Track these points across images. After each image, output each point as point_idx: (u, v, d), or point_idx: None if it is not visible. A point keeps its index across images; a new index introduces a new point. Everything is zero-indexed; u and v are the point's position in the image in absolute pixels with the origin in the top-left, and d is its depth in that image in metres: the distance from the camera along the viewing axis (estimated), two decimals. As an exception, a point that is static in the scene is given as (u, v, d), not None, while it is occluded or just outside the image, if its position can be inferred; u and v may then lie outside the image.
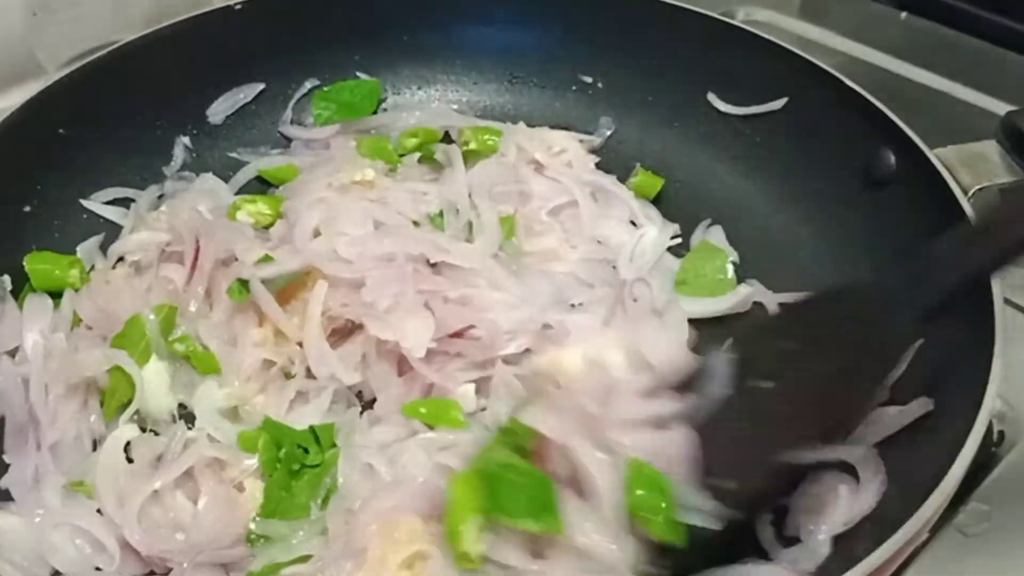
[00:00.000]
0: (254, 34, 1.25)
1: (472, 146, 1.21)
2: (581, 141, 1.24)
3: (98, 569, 0.86)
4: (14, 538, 0.85)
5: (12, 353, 1.01)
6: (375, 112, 1.29)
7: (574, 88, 1.31)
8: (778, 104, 1.19)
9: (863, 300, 0.83)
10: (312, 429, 0.92)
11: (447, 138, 1.27)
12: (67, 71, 1.14)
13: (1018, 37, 1.40)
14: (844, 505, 0.86)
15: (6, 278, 1.06)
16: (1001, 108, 1.18)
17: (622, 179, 1.22)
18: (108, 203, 1.16)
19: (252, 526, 0.86)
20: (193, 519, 0.87)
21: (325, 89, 1.28)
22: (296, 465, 0.88)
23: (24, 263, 1.06)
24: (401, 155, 1.23)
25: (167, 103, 1.22)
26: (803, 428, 0.78)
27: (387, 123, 1.27)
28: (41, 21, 1.21)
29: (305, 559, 0.84)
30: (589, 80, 1.30)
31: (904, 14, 1.45)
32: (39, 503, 0.88)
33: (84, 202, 1.15)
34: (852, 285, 0.89)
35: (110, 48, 1.17)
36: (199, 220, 1.09)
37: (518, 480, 0.77)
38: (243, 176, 1.23)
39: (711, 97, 1.24)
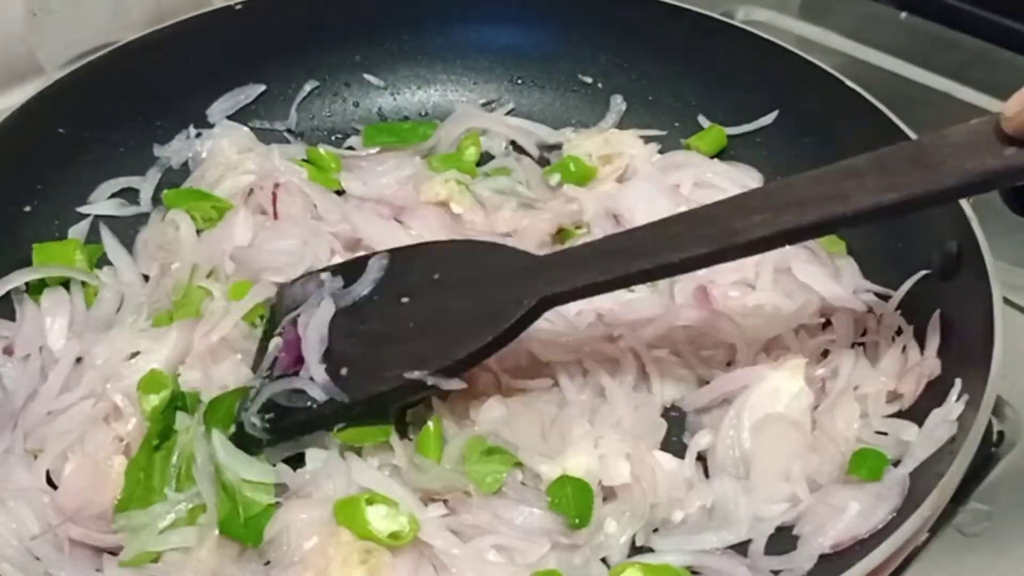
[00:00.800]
0: (254, 34, 1.25)
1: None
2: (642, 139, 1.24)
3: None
4: (4, 532, 0.84)
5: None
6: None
7: (574, 88, 1.30)
8: (768, 119, 1.20)
9: (504, 261, 0.93)
10: (182, 396, 0.93)
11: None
12: (67, 71, 1.14)
13: (1018, 37, 1.40)
14: (852, 522, 0.85)
15: (17, 279, 1.06)
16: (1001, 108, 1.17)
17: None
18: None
19: (114, 521, 0.87)
20: (62, 483, 0.90)
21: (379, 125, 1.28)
22: (156, 440, 0.89)
23: (33, 257, 1.07)
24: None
25: (167, 103, 1.22)
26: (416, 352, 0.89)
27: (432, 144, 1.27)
28: (41, 21, 1.21)
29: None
30: (589, 80, 1.30)
31: (904, 14, 1.45)
32: (7, 479, 0.89)
33: (80, 209, 1.15)
34: (503, 246, 1.00)
35: (110, 48, 1.17)
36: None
37: None
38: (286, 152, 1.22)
39: (701, 119, 1.24)
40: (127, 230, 1.15)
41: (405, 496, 0.86)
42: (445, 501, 0.88)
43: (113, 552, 0.87)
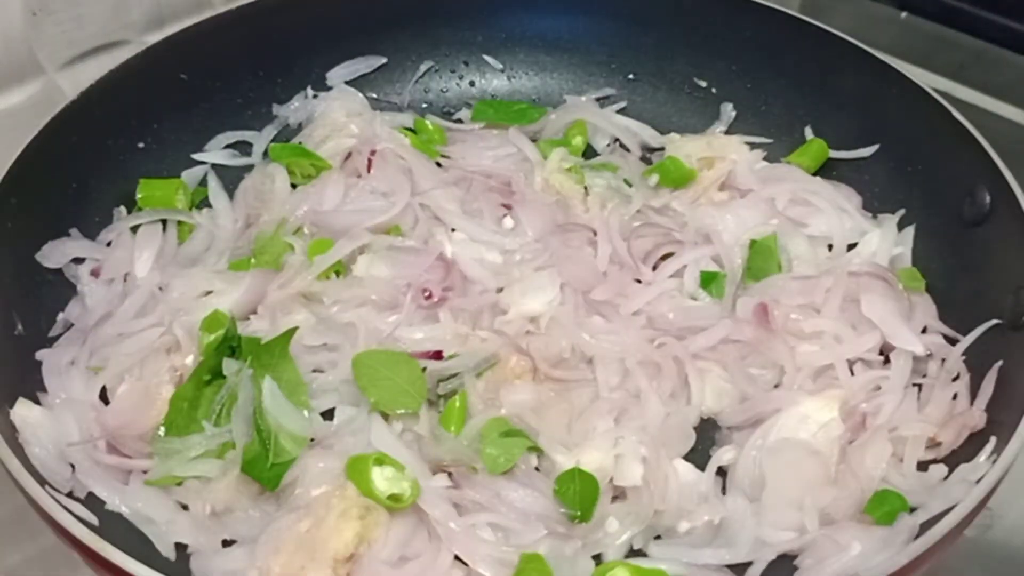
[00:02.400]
0: (382, 6, 1.29)
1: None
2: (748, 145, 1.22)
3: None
4: (40, 432, 0.91)
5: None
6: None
7: (688, 91, 1.30)
8: (868, 151, 1.17)
9: None
10: (238, 338, 0.97)
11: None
12: (195, 21, 1.20)
13: (1018, 37, 1.35)
14: (851, 562, 0.83)
15: (122, 208, 1.14)
16: (1001, 108, 1.13)
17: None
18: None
19: (151, 443, 0.93)
20: (112, 401, 0.96)
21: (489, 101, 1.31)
22: (208, 376, 0.94)
23: (138, 189, 1.14)
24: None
25: (290, 63, 1.27)
26: None
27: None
28: (41, 21, 1.19)
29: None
30: (704, 84, 1.29)
31: (904, 14, 1.43)
32: (64, 388, 0.96)
33: (194, 156, 1.21)
34: None
35: (241, 4, 1.23)
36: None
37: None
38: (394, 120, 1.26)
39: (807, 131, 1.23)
40: (234, 178, 1.21)
41: (413, 463, 0.89)
42: (450, 474, 0.90)
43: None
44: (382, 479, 0.87)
